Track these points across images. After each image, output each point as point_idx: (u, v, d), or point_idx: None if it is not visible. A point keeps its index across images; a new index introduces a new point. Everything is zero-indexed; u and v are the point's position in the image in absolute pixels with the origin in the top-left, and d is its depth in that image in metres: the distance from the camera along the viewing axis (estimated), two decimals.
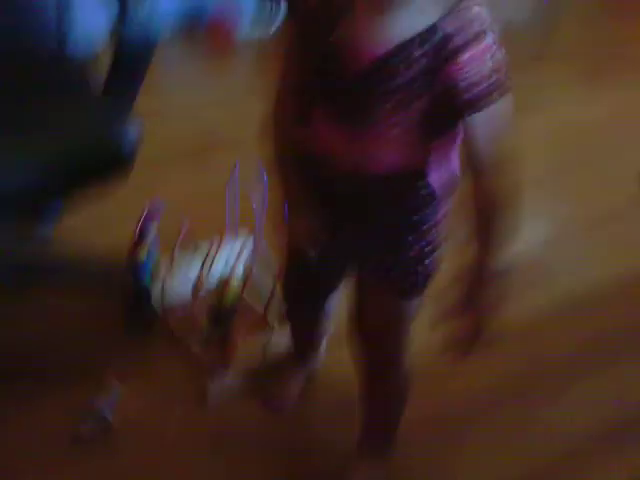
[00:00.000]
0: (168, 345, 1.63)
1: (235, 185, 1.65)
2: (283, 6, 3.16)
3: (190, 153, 2.29)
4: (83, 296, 1.67)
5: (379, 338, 1.23)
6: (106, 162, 1.42)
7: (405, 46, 0.94)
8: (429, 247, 1.12)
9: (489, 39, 0.93)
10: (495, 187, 0.99)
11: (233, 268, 1.65)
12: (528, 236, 2.06)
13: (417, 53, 0.94)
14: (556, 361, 1.72)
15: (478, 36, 0.93)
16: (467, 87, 0.94)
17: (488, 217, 1.01)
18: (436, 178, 1.06)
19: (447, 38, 0.92)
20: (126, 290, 1.62)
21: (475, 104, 0.95)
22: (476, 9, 0.93)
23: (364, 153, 1.03)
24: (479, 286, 1.04)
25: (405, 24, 0.94)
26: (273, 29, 3.07)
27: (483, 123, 0.96)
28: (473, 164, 1.00)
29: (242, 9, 3.06)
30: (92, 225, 1.79)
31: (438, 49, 0.93)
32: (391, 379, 1.29)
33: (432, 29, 0.93)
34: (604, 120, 2.64)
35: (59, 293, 1.69)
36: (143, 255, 1.58)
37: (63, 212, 1.70)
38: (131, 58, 1.50)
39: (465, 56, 0.93)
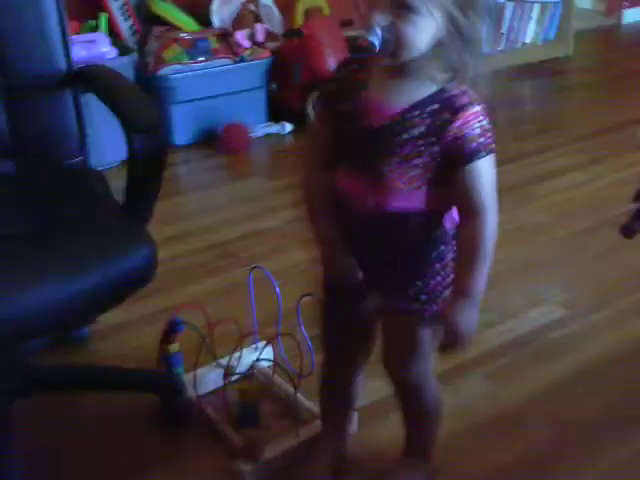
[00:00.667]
0: (204, 435, 1.68)
1: (251, 291, 1.77)
2: (289, 130, 3.38)
3: (207, 270, 2.40)
4: (119, 396, 1.75)
5: (406, 366, 1.39)
6: (125, 283, 1.42)
7: (409, 110, 1.16)
8: (445, 282, 1.28)
9: (476, 108, 1.15)
10: (474, 232, 1.20)
11: (259, 357, 1.74)
12: (545, 319, 2.13)
13: (419, 116, 1.16)
14: (577, 436, 1.70)
15: (467, 105, 1.15)
16: (461, 144, 1.15)
17: (468, 255, 1.22)
18: (447, 220, 1.26)
19: (443, 107, 1.15)
20: (160, 385, 1.69)
21: (466, 158, 1.15)
22: (463, 87, 1.16)
23: (382, 197, 1.23)
24: (454, 310, 1.24)
25: (409, 93, 1.17)
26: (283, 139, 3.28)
27: (470, 178, 1.17)
28: (460, 211, 1.22)
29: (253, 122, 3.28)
30: (122, 326, 1.90)
31: (436, 114, 1.15)
32: (422, 401, 1.46)
33: (431, 98, 1.15)
34: (598, 199, 2.77)
35: (95, 394, 1.77)
36: (173, 349, 1.67)
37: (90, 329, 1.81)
38: (144, 175, 1.54)
39: (458, 122, 1.14)
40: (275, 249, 2.50)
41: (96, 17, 3.16)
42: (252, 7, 3.40)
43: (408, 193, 1.21)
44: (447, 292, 1.29)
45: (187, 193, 2.90)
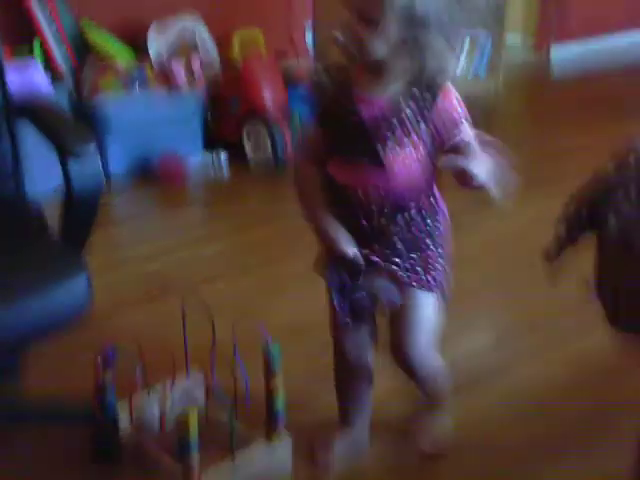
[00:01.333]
0: (141, 466, 1.67)
1: (184, 327, 1.77)
2: (224, 159, 3.40)
3: (142, 299, 2.39)
4: (53, 429, 1.72)
5: (415, 339, 1.58)
6: (61, 314, 1.45)
7: (394, 100, 1.41)
8: (441, 253, 1.55)
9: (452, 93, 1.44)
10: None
11: (193, 399, 1.75)
12: (474, 345, 2.18)
13: (405, 102, 1.41)
14: (506, 464, 1.74)
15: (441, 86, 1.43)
16: (448, 121, 1.43)
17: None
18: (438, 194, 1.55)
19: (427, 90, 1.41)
20: (94, 416, 1.67)
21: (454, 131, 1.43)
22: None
23: (384, 181, 1.45)
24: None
25: (392, 89, 1.42)
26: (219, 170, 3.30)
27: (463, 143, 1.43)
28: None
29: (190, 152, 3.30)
30: (55, 357, 1.87)
31: (420, 97, 1.41)
32: (430, 377, 1.68)
33: (409, 90, 1.41)
34: (527, 229, 2.84)
35: (28, 428, 1.74)
36: (108, 379, 1.65)
37: (23, 360, 1.78)
38: (79, 204, 1.55)
39: (439, 104, 1.42)
40: (211, 278, 2.50)
41: (30, 41, 3.13)
42: (189, 38, 3.42)
43: (407, 172, 1.45)
44: (445, 266, 1.55)
45: (122, 222, 2.89)
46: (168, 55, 3.32)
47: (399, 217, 1.49)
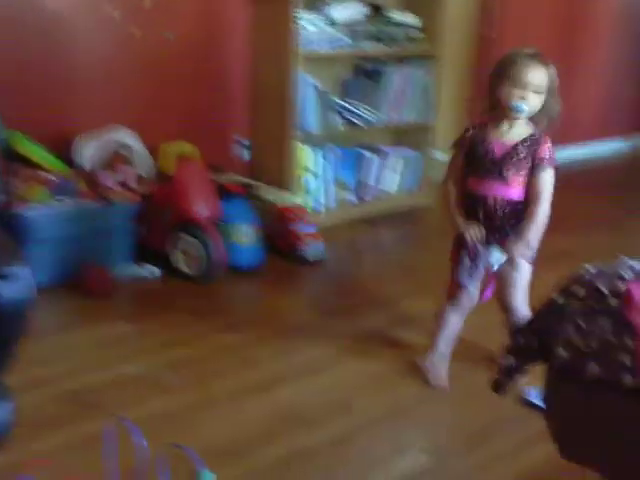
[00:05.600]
0: None
1: (109, 444, 1.66)
2: (155, 271, 3.34)
3: (63, 421, 2.26)
4: None
5: (517, 293, 2.53)
6: None
7: (517, 144, 2.39)
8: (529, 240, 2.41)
9: (549, 142, 2.40)
10: (537, 206, 2.38)
11: None
12: (407, 466, 2.13)
13: (522, 146, 2.39)
14: None
15: (545, 140, 2.41)
16: (541, 161, 2.38)
17: (531, 222, 2.38)
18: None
19: (533, 141, 2.39)
20: None
21: (542, 167, 2.38)
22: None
23: (505, 191, 2.40)
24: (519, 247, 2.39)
25: (516, 133, 2.40)
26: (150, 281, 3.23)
27: (541, 178, 2.38)
28: (531, 197, 2.39)
29: (120, 264, 3.21)
30: None
31: (531, 145, 2.38)
32: (519, 317, 2.52)
33: (528, 137, 2.39)
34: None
35: None
36: None
37: None
38: (4, 324, 1.49)
39: (540, 149, 2.38)
40: (138, 397, 2.40)
41: None
42: (122, 150, 3.41)
43: (519, 189, 2.40)
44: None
45: (43, 337, 2.75)
46: (100, 166, 3.29)
47: (512, 219, 2.41)
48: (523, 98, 2.32)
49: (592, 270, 1.37)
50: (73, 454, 2.06)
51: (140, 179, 3.40)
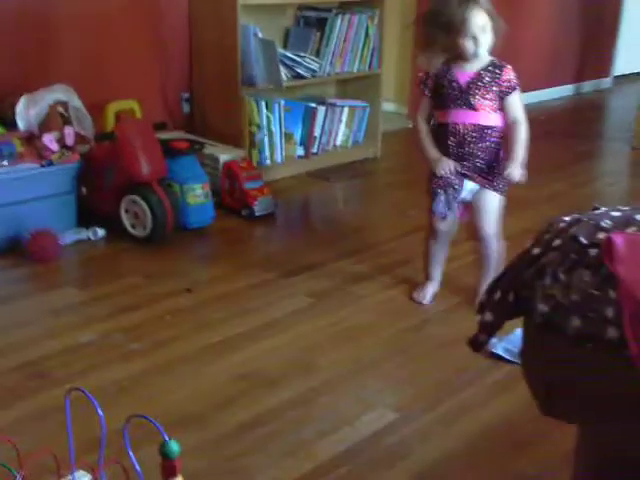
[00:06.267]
0: None
1: (68, 416, 1.58)
2: (101, 235, 3.23)
3: (18, 393, 2.18)
4: None
5: (491, 225, 2.64)
6: None
7: (480, 71, 2.51)
8: (501, 171, 2.54)
9: (509, 66, 2.54)
10: (519, 131, 2.52)
11: None
12: (373, 422, 2.11)
13: (485, 72, 2.51)
14: None
15: (505, 65, 2.54)
16: (508, 86, 2.52)
17: (516, 143, 2.52)
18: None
19: (495, 67, 2.52)
20: None
21: (510, 91, 2.52)
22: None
23: (475, 118, 2.52)
24: (512, 167, 2.50)
25: (476, 62, 2.51)
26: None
27: (512, 102, 2.53)
28: (509, 119, 2.54)
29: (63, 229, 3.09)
30: None
31: (494, 70, 2.51)
32: (496, 249, 2.68)
33: (489, 63, 2.52)
34: None
35: None
36: None
37: None
38: None
39: (504, 73, 2.52)
40: (93, 366, 2.32)
41: None
42: (61, 109, 3.25)
43: (487, 115, 2.52)
44: (501, 177, 2.56)
45: None
46: (39, 128, 3.14)
47: (481, 144, 2.54)
48: (477, 43, 2.45)
49: (568, 219, 1.33)
50: (29, 428, 1.99)
51: (80, 138, 3.26)
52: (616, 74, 6.97)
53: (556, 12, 6.22)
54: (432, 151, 2.59)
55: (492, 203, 2.61)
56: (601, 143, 5.49)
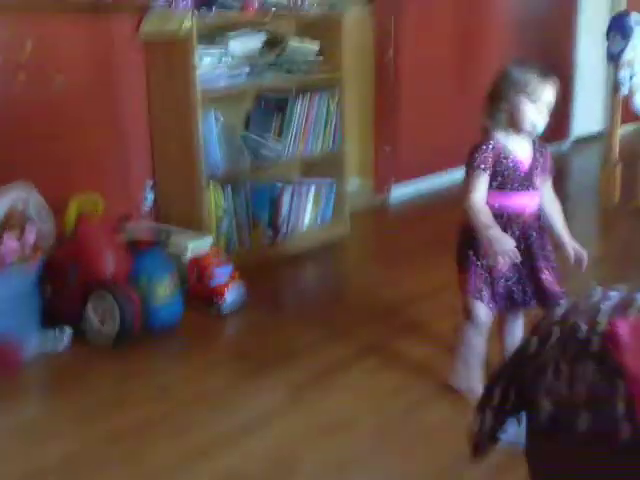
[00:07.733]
0: None
1: None
2: (67, 336, 3.08)
3: None
4: None
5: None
6: None
7: (534, 153, 2.48)
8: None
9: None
10: (558, 206, 2.56)
11: None
12: None
13: (537, 155, 2.48)
14: None
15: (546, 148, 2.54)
16: (550, 166, 2.54)
17: (558, 217, 2.54)
18: None
19: (541, 148, 2.52)
20: None
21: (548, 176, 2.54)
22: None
23: (534, 200, 2.48)
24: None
25: (525, 143, 2.47)
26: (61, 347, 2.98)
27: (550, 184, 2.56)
28: (552, 202, 2.55)
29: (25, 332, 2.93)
30: None
31: (540, 152, 2.51)
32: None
33: (536, 144, 2.50)
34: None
35: None
36: None
37: None
38: None
39: (548, 156, 2.53)
40: None
41: None
42: (21, 206, 3.12)
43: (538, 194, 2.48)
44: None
45: None
46: None
47: (534, 230, 2.46)
48: (541, 117, 2.39)
49: (566, 306, 1.24)
50: None
51: (44, 238, 3.13)
52: (574, 137, 7.03)
53: None
54: (498, 230, 2.35)
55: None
56: (567, 206, 5.47)
